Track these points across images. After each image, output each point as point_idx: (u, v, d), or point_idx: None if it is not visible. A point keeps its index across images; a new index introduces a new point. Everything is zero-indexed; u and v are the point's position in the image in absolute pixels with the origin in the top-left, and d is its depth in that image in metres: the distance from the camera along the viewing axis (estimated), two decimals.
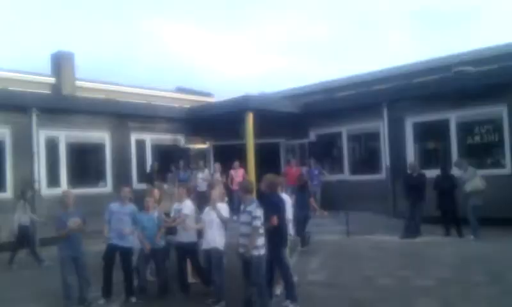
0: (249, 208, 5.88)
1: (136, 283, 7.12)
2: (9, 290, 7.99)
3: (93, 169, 14.38)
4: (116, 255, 7.04)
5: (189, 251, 7.06)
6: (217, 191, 6.99)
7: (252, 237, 5.76)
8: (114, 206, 7.17)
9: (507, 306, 6.02)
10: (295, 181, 10.72)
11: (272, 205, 6.16)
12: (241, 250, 5.90)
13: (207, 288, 6.93)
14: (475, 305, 6.02)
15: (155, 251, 7.04)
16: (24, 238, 9.96)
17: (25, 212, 10.08)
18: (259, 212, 5.82)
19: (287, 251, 6.53)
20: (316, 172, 14.44)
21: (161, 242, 7.14)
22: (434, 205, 11.00)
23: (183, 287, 7.14)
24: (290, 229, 6.84)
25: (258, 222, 5.78)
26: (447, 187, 10.84)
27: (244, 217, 5.94)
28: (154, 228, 7.04)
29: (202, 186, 12.63)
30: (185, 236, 7.01)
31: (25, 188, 10.83)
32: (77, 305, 6.59)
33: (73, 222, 6.60)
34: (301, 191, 10.01)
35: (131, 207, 7.19)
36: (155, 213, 7.16)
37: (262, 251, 5.88)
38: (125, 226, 6.97)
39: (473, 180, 10.53)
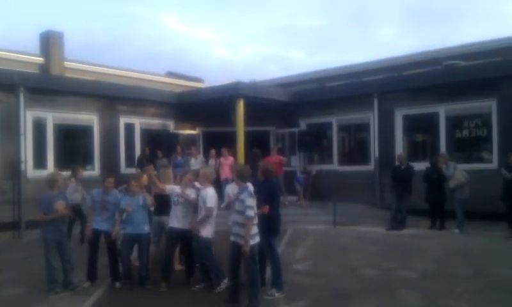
0: (241, 197, 5.71)
1: (120, 268, 7.06)
2: None
3: (81, 151, 14.21)
4: (101, 239, 6.99)
5: (183, 238, 6.91)
6: (203, 176, 6.91)
7: (246, 228, 5.59)
8: (97, 194, 7.03)
9: (487, 300, 6.11)
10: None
11: (265, 193, 6.08)
12: (232, 238, 5.79)
13: (189, 278, 6.94)
14: (456, 298, 6.10)
15: (139, 236, 6.92)
16: (77, 216, 9.65)
17: (76, 190, 9.97)
18: (251, 201, 5.63)
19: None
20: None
21: (145, 228, 7.00)
22: (421, 198, 11.14)
23: (168, 274, 7.02)
24: None
25: (251, 213, 5.59)
26: (436, 179, 10.96)
27: (237, 205, 5.80)
28: (138, 212, 6.93)
29: None
30: (178, 222, 6.83)
31: (77, 166, 10.71)
32: (61, 288, 6.55)
33: (60, 204, 6.53)
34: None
35: (114, 196, 7.05)
36: (140, 198, 7.05)
37: (255, 240, 5.72)
38: (109, 214, 6.91)
39: (455, 174, 10.68)
